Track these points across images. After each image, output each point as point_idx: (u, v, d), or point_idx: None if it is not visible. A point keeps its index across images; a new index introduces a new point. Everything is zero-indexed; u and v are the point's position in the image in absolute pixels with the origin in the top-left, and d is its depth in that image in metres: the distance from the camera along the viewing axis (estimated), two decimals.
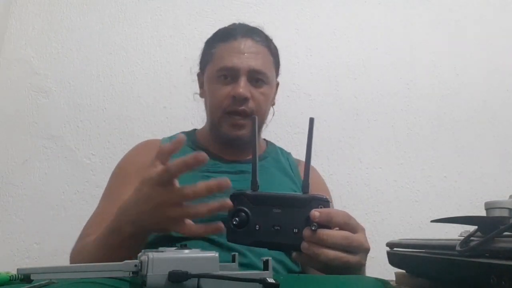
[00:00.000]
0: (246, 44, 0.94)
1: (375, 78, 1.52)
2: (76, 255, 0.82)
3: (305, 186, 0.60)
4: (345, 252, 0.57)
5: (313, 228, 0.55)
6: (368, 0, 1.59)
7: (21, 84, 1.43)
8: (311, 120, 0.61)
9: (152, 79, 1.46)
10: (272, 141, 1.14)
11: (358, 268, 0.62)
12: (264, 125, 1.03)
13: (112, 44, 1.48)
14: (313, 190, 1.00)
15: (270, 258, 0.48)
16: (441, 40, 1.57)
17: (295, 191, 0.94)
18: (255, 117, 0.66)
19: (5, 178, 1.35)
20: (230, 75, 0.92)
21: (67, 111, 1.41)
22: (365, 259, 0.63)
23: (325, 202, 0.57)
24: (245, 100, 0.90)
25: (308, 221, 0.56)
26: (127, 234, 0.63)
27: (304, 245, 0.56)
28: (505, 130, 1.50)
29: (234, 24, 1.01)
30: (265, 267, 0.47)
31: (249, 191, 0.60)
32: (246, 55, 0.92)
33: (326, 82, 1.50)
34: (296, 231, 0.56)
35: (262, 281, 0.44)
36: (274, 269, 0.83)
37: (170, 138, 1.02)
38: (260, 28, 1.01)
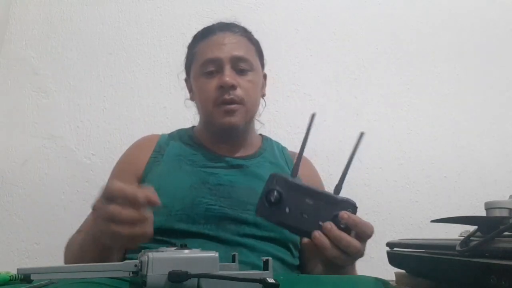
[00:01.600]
0: (225, 36, 0.95)
1: (375, 78, 1.52)
2: (66, 249, 0.85)
3: (337, 189, 0.65)
4: (346, 255, 0.61)
5: (342, 226, 0.60)
6: (368, 0, 1.59)
7: (21, 84, 1.43)
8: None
9: (152, 79, 1.46)
10: (273, 140, 1.13)
11: (347, 267, 0.67)
12: (257, 117, 1.03)
13: (112, 44, 1.48)
14: (308, 182, 1.01)
15: (270, 258, 0.48)
16: (441, 40, 1.57)
17: None
18: (313, 114, 0.68)
19: (5, 178, 1.35)
20: (214, 67, 0.92)
21: (67, 111, 1.41)
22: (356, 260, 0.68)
23: (353, 207, 0.62)
24: (232, 87, 0.90)
25: (335, 218, 0.61)
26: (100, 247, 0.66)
27: (315, 233, 0.60)
28: (505, 130, 1.50)
29: (212, 24, 1.02)
30: (265, 267, 0.47)
31: (289, 177, 0.64)
32: (227, 45, 0.93)
33: (326, 82, 1.50)
34: (321, 223, 0.61)
35: (262, 281, 0.44)
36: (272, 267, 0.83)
37: (169, 134, 1.02)
38: (237, 22, 1.01)
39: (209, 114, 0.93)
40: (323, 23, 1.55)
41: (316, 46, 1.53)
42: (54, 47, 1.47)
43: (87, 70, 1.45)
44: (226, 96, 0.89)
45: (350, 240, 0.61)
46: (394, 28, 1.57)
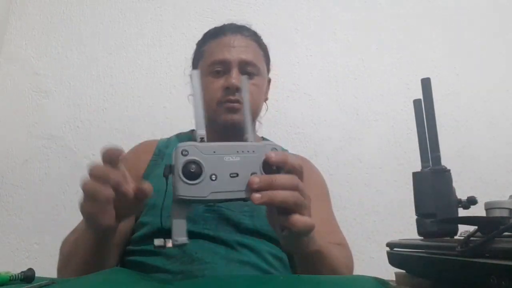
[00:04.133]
0: (236, 39, 0.96)
1: (375, 78, 1.52)
2: (62, 246, 0.83)
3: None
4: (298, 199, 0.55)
5: (274, 168, 0.54)
6: (368, 0, 1.59)
7: (21, 84, 1.43)
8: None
9: (152, 79, 1.46)
10: (272, 141, 1.14)
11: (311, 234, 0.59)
12: (258, 119, 1.04)
13: (112, 44, 1.48)
14: (312, 185, 1.01)
15: None
16: (441, 40, 1.57)
17: None
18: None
19: (5, 178, 1.35)
20: (222, 68, 0.94)
21: (67, 111, 1.41)
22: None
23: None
24: (237, 90, 0.92)
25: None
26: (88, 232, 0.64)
27: (254, 196, 0.52)
28: (505, 130, 1.50)
29: (223, 24, 1.03)
30: None
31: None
32: (236, 48, 0.95)
33: (326, 82, 1.50)
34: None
35: None
36: (272, 266, 0.83)
37: (168, 139, 1.03)
38: (248, 25, 1.03)
39: (212, 112, 0.94)
40: (323, 23, 1.55)
41: (316, 46, 1.53)
42: (54, 47, 1.47)
43: (87, 70, 1.45)
44: (231, 97, 0.92)
45: (284, 177, 0.54)
46: (393, 28, 1.57)
